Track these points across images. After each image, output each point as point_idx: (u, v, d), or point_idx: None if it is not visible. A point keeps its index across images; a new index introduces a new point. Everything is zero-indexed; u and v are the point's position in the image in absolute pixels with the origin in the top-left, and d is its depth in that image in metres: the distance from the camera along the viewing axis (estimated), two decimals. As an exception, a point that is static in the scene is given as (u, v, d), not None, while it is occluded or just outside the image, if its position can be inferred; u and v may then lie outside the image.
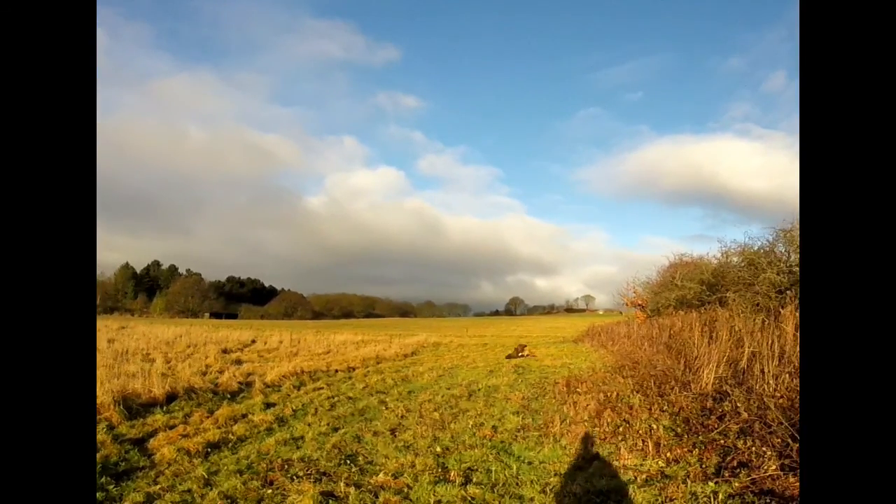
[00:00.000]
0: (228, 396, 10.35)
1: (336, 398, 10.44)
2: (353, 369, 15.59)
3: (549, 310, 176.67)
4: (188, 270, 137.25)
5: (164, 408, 9.06)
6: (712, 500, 4.54)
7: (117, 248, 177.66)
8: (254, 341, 26.36)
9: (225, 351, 20.86)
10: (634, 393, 9.48)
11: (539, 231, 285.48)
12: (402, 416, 8.66)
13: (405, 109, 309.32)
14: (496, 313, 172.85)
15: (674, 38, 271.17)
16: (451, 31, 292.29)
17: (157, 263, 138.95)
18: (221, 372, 13.38)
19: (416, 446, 6.82)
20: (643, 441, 6.37)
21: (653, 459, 5.79)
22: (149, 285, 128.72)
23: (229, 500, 5.03)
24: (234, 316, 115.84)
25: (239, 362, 16.66)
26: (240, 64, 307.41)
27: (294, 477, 5.58)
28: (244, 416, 8.67)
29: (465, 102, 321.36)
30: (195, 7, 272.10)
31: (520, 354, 21.40)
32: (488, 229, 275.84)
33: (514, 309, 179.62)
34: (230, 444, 7.05)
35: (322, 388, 11.56)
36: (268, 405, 9.62)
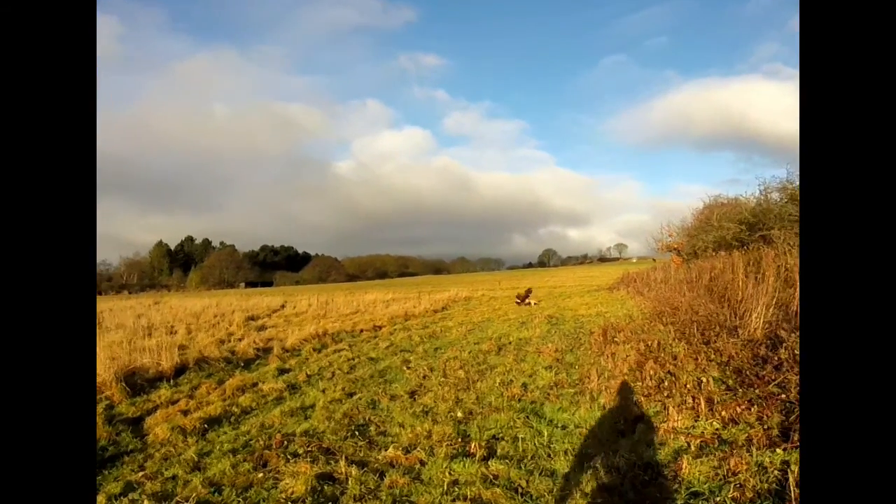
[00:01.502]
0: (242, 365, 9.75)
1: (357, 360, 9.76)
2: (380, 328, 14.93)
3: (583, 260, 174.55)
4: (222, 243, 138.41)
5: (172, 381, 8.48)
6: (786, 473, 3.61)
7: (152, 228, 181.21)
8: (283, 306, 25.95)
9: (251, 318, 20.43)
10: (677, 341, 8.61)
11: (570, 182, 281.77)
12: (424, 377, 7.91)
13: (426, 68, 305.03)
14: (529, 266, 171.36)
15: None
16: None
17: (190, 239, 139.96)
18: (241, 339, 12.81)
19: (436, 411, 6.06)
20: (693, 398, 5.49)
21: (706, 420, 4.90)
22: (184, 261, 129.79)
23: (214, 488, 4.32)
24: (269, 284, 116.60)
25: (263, 328, 16.17)
26: (257, 38, 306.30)
27: (291, 456, 4.86)
28: (254, 385, 8.02)
29: (487, 58, 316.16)
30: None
31: (525, 302, 20.88)
32: (518, 183, 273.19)
33: (547, 261, 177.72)
34: (232, 418, 6.41)
35: (343, 350, 10.90)
36: (282, 371, 8.98)
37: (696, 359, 7.19)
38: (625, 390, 6.21)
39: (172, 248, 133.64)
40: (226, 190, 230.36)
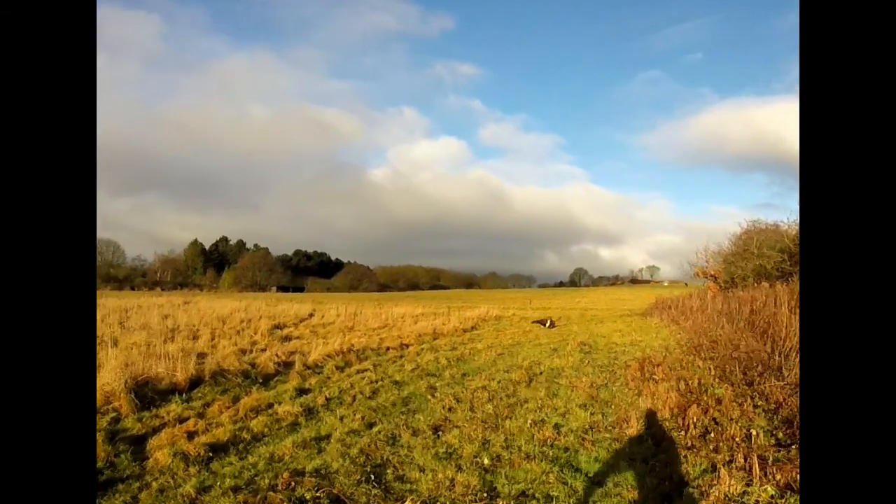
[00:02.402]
0: (261, 381, 9.31)
1: (380, 382, 9.26)
2: (407, 346, 14.44)
3: (614, 281, 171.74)
4: (256, 245, 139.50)
5: (185, 395, 8.07)
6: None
7: (188, 226, 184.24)
8: (311, 315, 25.66)
9: (278, 326, 20.11)
10: (718, 381, 7.97)
11: (602, 199, 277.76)
12: (449, 409, 7.35)
13: (463, 78, 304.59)
14: (560, 284, 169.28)
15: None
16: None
17: (225, 239, 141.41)
18: (264, 350, 12.42)
19: (461, 453, 5.50)
20: (744, 456, 4.84)
21: (760, 486, 4.28)
22: (218, 260, 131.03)
23: (206, 538, 3.84)
24: (300, 289, 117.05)
25: (288, 339, 15.80)
26: (296, 41, 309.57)
27: (298, 502, 4.36)
28: (270, 406, 7.57)
29: (523, 69, 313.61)
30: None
31: (546, 324, 20.56)
32: (552, 198, 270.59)
33: (578, 280, 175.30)
34: (241, 446, 5.95)
35: (367, 370, 10.41)
36: (301, 391, 8.51)
37: (741, 404, 6.56)
38: (666, 440, 5.59)
39: (207, 247, 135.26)
40: (261, 192, 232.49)
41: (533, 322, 21.67)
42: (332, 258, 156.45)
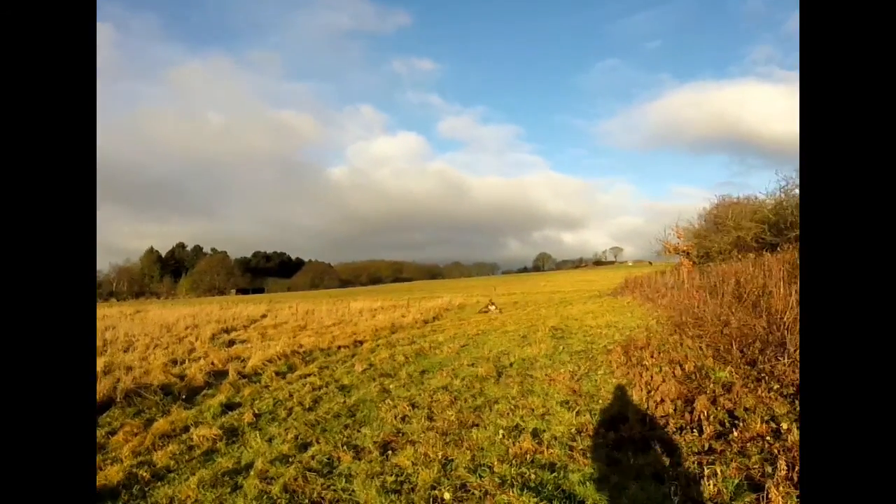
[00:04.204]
0: (184, 397, 7.88)
1: (324, 389, 7.94)
2: (361, 343, 13.10)
3: (578, 264, 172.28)
4: (213, 249, 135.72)
5: (84, 423, 6.64)
6: None
7: (145, 235, 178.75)
8: (264, 316, 24.17)
9: (226, 330, 18.66)
10: (717, 362, 6.91)
11: (564, 186, 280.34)
12: (403, 418, 6.10)
13: (421, 73, 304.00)
14: (524, 270, 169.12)
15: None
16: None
17: (181, 245, 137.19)
18: (200, 358, 10.96)
19: (415, 481, 4.25)
20: (788, 463, 3.73)
21: None
22: (174, 267, 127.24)
23: None
24: (260, 290, 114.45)
25: (231, 343, 14.43)
26: (251, 44, 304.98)
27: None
28: (185, 429, 6.21)
29: (482, 62, 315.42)
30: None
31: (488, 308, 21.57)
32: (513, 187, 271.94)
33: (542, 265, 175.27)
34: (136, 488, 4.64)
35: (311, 375, 9.08)
36: (227, 408, 7.15)
37: (754, 390, 5.47)
38: (678, 445, 4.46)
39: (163, 254, 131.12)
40: (220, 196, 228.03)
41: (479, 312, 21.56)
42: (293, 257, 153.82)
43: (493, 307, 22.01)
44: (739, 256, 15.96)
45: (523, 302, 26.64)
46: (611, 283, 37.45)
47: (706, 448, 4.30)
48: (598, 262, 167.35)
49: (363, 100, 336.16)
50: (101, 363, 10.68)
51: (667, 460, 4.18)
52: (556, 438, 5.03)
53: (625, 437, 4.81)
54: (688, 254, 23.51)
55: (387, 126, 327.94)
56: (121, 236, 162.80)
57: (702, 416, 5.00)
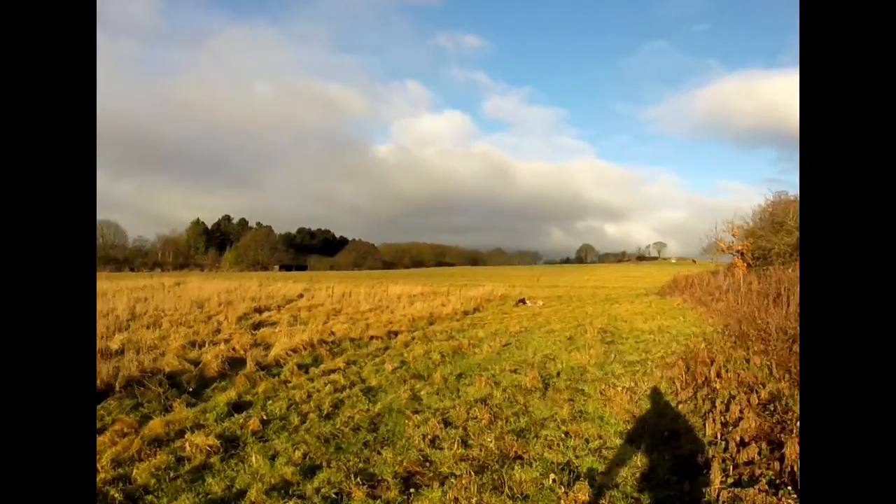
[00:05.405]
0: (192, 389, 7.07)
1: (348, 391, 7.01)
2: (395, 335, 12.16)
3: (621, 257, 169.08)
4: (259, 224, 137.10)
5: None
6: None
7: (193, 206, 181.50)
8: (301, 296, 23.47)
9: (258, 310, 17.88)
10: (792, 387, 5.96)
11: (608, 174, 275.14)
12: (433, 440, 5.13)
13: (467, 49, 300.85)
14: (566, 261, 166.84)
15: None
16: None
17: (227, 218, 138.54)
18: (218, 343, 10.20)
19: (441, 546, 3.29)
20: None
21: None
22: (220, 240, 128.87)
23: None
24: (303, 268, 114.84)
25: (259, 326, 13.62)
26: (297, 15, 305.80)
27: None
28: (182, 433, 5.37)
29: (527, 40, 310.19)
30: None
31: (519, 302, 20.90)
32: (557, 173, 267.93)
33: (584, 257, 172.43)
34: (101, 516, 3.77)
35: (337, 370, 8.19)
36: (235, 408, 6.27)
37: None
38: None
39: (209, 226, 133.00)
40: (266, 167, 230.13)
41: (517, 303, 20.96)
42: (337, 235, 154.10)
43: (529, 302, 21.16)
44: (797, 262, 14.44)
45: (567, 296, 25.38)
46: (656, 281, 35.90)
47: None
48: (641, 258, 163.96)
49: (409, 75, 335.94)
50: (119, 340, 10.07)
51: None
52: (617, 487, 3.99)
53: (712, 496, 3.74)
54: (742, 254, 21.83)
55: (433, 104, 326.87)
56: (169, 206, 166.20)
57: (795, 467, 3.94)
